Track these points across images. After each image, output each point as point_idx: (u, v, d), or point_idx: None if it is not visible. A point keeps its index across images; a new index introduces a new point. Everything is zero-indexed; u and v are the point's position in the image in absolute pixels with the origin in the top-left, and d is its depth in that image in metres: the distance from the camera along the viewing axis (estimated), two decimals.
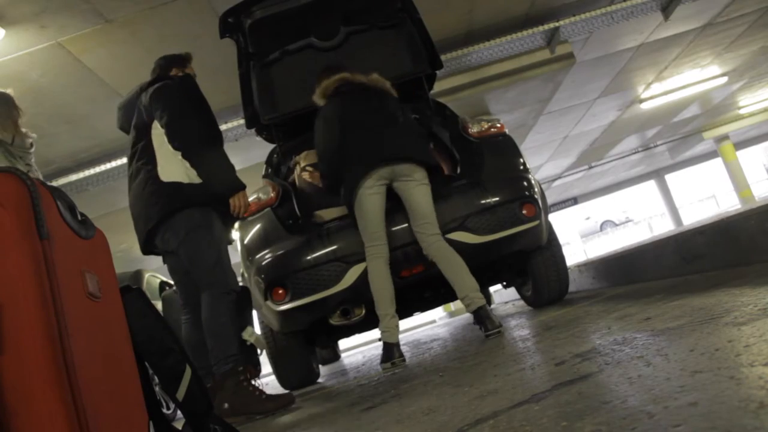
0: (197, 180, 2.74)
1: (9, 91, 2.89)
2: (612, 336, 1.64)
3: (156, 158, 2.79)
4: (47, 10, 4.36)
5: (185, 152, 2.72)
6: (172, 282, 6.15)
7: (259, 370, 2.77)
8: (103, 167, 6.96)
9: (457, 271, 2.91)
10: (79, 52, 5.05)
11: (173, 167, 2.74)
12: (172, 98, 2.82)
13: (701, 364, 1.03)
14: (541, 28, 6.56)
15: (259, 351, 2.85)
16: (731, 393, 0.82)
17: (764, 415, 0.70)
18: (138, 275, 5.81)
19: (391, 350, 2.88)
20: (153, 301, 1.96)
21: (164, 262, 2.91)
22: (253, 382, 2.61)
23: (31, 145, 2.91)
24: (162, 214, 2.72)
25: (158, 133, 2.80)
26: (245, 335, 2.73)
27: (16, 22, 4.39)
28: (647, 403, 0.90)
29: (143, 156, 2.83)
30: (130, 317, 1.39)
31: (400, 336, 3.13)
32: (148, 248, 2.87)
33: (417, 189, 2.98)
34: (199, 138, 2.77)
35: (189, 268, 2.78)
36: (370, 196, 2.93)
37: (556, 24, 6.53)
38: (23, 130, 2.84)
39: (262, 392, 2.60)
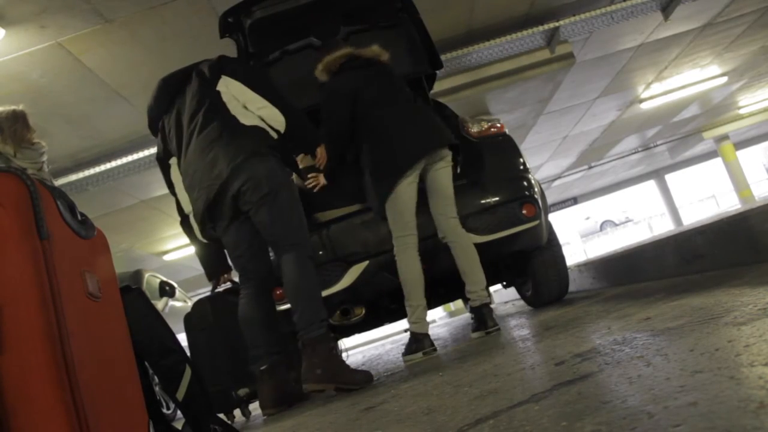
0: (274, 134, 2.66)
1: (20, 107, 2.92)
2: (612, 336, 1.63)
3: (230, 111, 2.66)
4: (47, 10, 4.36)
5: (276, 102, 2.65)
6: (172, 282, 6.18)
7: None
8: (103, 167, 6.95)
9: (470, 263, 2.92)
10: (79, 52, 5.04)
11: (250, 119, 2.63)
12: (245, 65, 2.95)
13: (701, 364, 1.02)
14: (541, 28, 6.55)
15: None
16: (731, 393, 0.82)
17: (764, 415, 0.70)
18: (138, 275, 5.81)
19: (422, 341, 2.86)
20: (153, 301, 1.96)
21: (222, 237, 2.73)
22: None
23: (42, 154, 2.94)
24: (247, 153, 2.54)
25: (226, 91, 2.68)
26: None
27: (16, 22, 4.39)
28: (647, 403, 0.90)
29: (210, 112, 2.67)
30: (130, 317, 1.39)
31: (399, 336, 3.13)
32: (210, 215, 2.67)
33: (444, 171, 2.96)
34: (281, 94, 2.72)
35: (270, 228, 2.59)
36: (409, 187, 2.87)
37: (556, 24, 6.52)
38: (35, 141, 2.86)
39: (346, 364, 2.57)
